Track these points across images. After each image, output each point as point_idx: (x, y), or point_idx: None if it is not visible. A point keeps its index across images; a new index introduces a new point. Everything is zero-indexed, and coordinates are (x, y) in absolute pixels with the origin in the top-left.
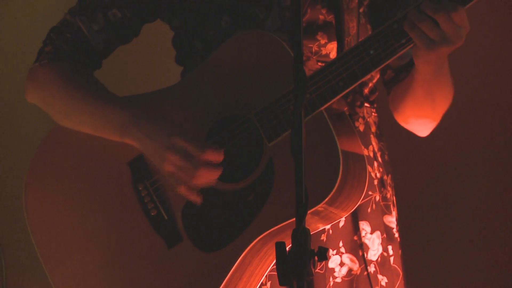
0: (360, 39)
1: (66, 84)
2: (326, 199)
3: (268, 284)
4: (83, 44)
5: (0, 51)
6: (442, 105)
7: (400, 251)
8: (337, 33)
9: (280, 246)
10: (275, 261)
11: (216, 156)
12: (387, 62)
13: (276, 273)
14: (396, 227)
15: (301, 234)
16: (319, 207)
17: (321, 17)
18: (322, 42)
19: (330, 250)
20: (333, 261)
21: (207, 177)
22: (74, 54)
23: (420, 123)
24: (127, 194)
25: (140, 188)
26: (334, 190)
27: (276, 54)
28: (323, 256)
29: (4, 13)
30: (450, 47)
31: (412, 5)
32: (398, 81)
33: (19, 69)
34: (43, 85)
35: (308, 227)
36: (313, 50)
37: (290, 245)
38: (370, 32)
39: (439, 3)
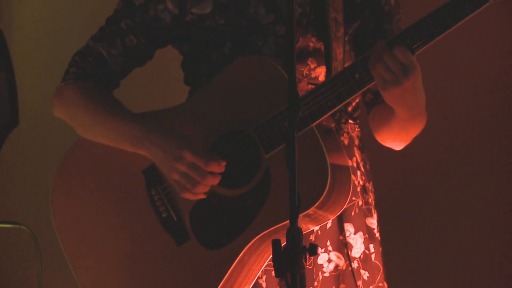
0: (346, 64)
1: (88, 101)
2: (316, 204)
3: (264, 277)
4: (104, 67)
5: (35, 60)
6: (414, 133)
7: (380, 248)
8: (326, 58)
9: (276, 243)
10: (270, 257)
11: (219, 167)
12: (370, 85)
13: (270, 268)
14: (377, 227)
15: (294, 233)
16: (310, 210)
17: (311, 44)
18: (312, 66)
19: (319, 248)
20: (322, 258)
21: (211, 184)
22: (96, 75)
23: (395, 144)
24: (141, 198)
25: (153, 193)
26: (323, 196)
27: (272, 77)
28: (314, 251)
29: (25, 18)
30: (398, 87)
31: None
32: (377, 103)
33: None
34: (68, 102)
35: (300, 227)
36: (304, 73)
37: (285, 243)
38: (353, 58)
39: (394, 42)
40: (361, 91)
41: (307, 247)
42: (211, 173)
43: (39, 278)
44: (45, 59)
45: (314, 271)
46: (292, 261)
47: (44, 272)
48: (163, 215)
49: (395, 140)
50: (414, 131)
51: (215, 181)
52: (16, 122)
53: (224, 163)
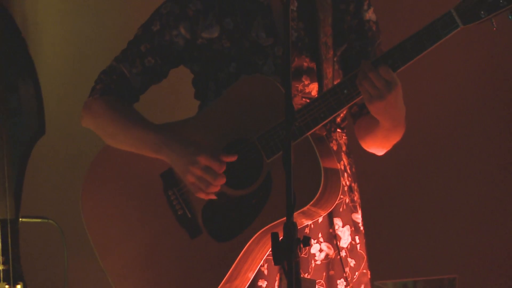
0: (335, 81)
1: (113, 114)
2: (312, 202)
3: (265, 266)
4: (125, 84)
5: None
6: (394, 141)
7: (364, 240)
8: (318, 76)
9: (275, 236)
10: (271, 249)
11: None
12: (357, 99)
13: (271, 257)
14: (361, 222)
15: (290, 227)
16: (306, 208)
17: (305, 64)
18: (306, 83)
19: (312, 240)
20: (314, 248)
21: (219, 187)
22: (119, 91)
23: (378, 150)
24: (159, 198)
25: (170, 194)
26: (317, 196)
27: (271, 93)
28: (307, 243)
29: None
30: (382, 101)
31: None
32: (361, 114)
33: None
34: (95, 114)
35: (295, 222)
36: (299, 88)
37: (283, 236)
38: (341, 76)
39: (377, 63)
40: (349, 105)
41: (301, 239)
42: (221, 175)
43: (65, 268)
44: (69, 74)
45: (309, 259)
46: (288, 251)
47: (69, 262)
48: (179, 213)
49: (378, 147)
50: (394, 138)
51: (223, 180)
52: (43, 131)
53: (235, 158)
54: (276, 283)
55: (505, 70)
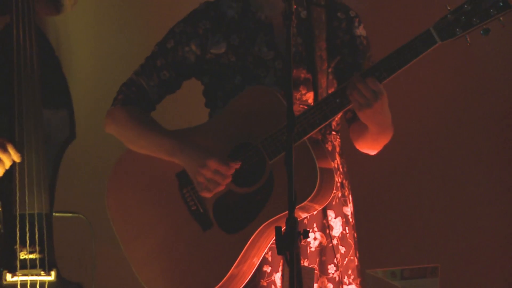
0: (329, 91)
1: (133, 121)
2: (309, 198)
3: (269, 253)
4: (144, 95)
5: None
6: (384, 143)
7: (353, 231)
8: (313, 86)
9: (278, 229)
10: (274, 238)
11: (232, 171)
12: (348, 107)
13: (274, 246)
14: (351, 214)
15: (292, 222)
16: (304, 204)
17: (302, 75)
18: (303, 92)
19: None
20: (310, 237)
21: (224, 187)
22: (138, 101)
23: (369, 151)
24: (175, 195)
25: (184, 191)
26: (314, 193)
27: (273, 102)
28: (306, 235)
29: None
30: (370, 108)
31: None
32: (355, 119)
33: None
34: (117, 122)
35: (296, 217)
36: (297, 97)
37: (285, 229)
38: (335, 85)
39: (365, 75)
40: (341, 112)
41: (301, 232)
42: (229, 175)
43: (93, 257)
44: (96, 87)
45: (306, 247)
46: (290, 243)
47: (97, 251)
48: (192, 208)
49: (369, 148)
50: (383, 141)
51: (229, 180)
52: (74, 136)
53: (238, 164)
54: (280, 268)
55: (491, 70)
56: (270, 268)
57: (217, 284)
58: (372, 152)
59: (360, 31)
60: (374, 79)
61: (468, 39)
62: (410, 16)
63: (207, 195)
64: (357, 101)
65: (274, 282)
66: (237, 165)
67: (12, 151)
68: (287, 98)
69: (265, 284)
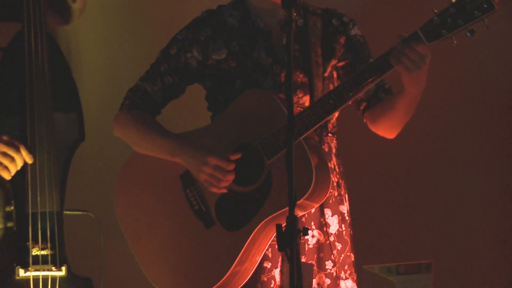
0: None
1: (138, 125)
2: (305, 197)
3: (270, 250)
4: (149, 99)
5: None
6: (409, 117)
7: (349, 228)
8: (310, 90)
9: (279, 227)
10: (273, 236)
11: (233, 167)
12: (341, 108)
13: (274, 243)
14: (347, 213)
15: (292, 220)
16: (300, 202)
17: (299, 79)
18: (300, 95)
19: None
20: (308, 234)
21: (229, 182)
22: (143, 105)
23: (392, 130)
24: (179, 195)
25: (188, 191)
26: (309, 191)
27: (271, 105)
28: (305, 233)
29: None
30: (419, 70)
31: (392, 48)
32: (371, 106)
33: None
34: (123, 125)
35: (296, 215)
36: (295, 100)
37: (285, 225)
38: (330, 89)
39: (408, 43)
40: (334, 112)
41: (301, 230)
42: (230, 173)
43: (102, 253)
44: (105, 92)
45: (304, 244)
46: (290, 240)
47: (105, 248)
48: (195, 207)
49: (395, 124)
50: (411, 112)
51: (232, 177)
52: (83, 138)
53: (239, 156)
54: (279, 264)
55: (485, 70)
56: (270, 264)
57: (219, 280)
58: (394, 130)
59: (355, 31)
60: (424, 44)
61: (454, 41)
62: (401, 20)
63: (215, 190)
64: (405, 66)
65: (274, 278)
66: (237, 156)
67: (24, 152)
68: (288, 101)
69: (265, 279)
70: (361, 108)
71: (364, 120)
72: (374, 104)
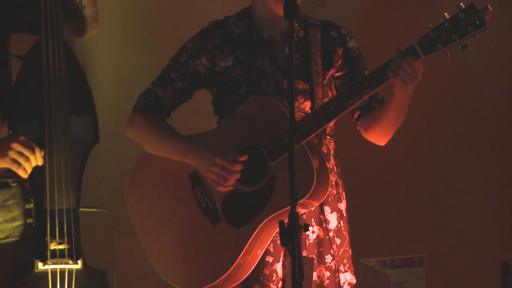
0: (324, 100)
1: (150, 127)
2: (307, 196)
3: (271, 245)
4: (160, 103)
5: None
6: (399, 125)
7: (347, 224)
8: (310, 96)
9: (281, 223)
10: (275, 232)
11: (240, 165)
12: (341, 114)
13: (276, 238)
14: (345, 210)
15: (294, 216)
16: (303, 201)
17: (300, 86)
18: (301, 101)
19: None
20: (309, 230)
21: (235, 179)
22: (155, 109)
23: (383, 138)
24: (188, 193)
25: (196, 190)
26: (311, 191)
27: (274, 110)
28: (306, 228)
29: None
30: (413, 83)
31: (389, 61)
32: (364, 115)
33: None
34: (136, 127)
35: (298, 212)
36: (296, 106)
37: (287, 222)
38: (328, 96)
39: (404, 57)
40: (335, 119)
41: (302, 225)
42: (236, 173)
43: (115, 248)
44: (118, 96)
45: (305, 239)
46: (292, 235)
47: (119, 243)
48: (203, 205)
49: (385, 132)
50: (401, 119)
51: (238, 176)
52: (98, 140)
53: (245, 157)
54: (281, 258)
55: (478, 73)
56: (272, 258)
57: (225, 273)
58: (385, 138)
59: (352, 43)
60: (418, 60)
61: (448, 54)
62: (398, 32)
63: (221, 189)
64: (401, 79)
65: (275, 271)
66: (244, 158)
67: (38, 153)
68: (290, 106)
69: (267, 272)
70: (355, 116)
71: (358, 128)
72: (367, 113)
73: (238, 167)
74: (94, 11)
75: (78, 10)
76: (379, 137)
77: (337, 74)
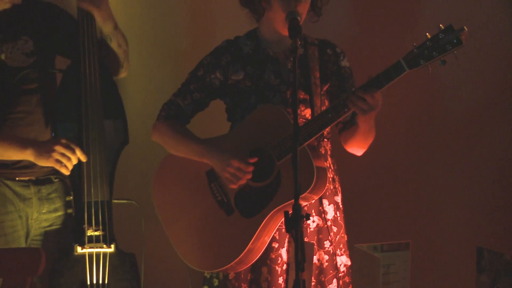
0: (322, 108)
1: (173, 132)
2: (308, 190)
3: (277, 233)
4: (180, 112)
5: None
6: (369, 142)
7: (343, 215)
8: (310, 105)
9: (286, 213)
10: (280, 221)
11: (251, 169)
12: (338, 120)
13: (281, 227)
14: (341, 202)
15: (297, 207)
16: (304, 195)
17: (301, 96)
18: (302, 109)
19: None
20: (310, 220)
21: (247, 179)
22: (176, 116)
23: (358, 150)
24: (205, 188)
25: (212, 185)
26: (312, 186)
27: (279, 117)
28: (308, 218)
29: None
30: (374, 112)
31: (351, 91)
32: (345, 129)
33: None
34: (161, 133)
35: (300, 204)
36: (298, 113)
37: (291, 212)
38: (326, 104)
39: (365, 89)
40: (332, 124)
41: (304, 215)
42: (248, 172)
43: (143, 236)
44: (145, 104)
45: (306, 227)
46: (295, 223)
47: (146, 232)
48: (218, 199)
49: (359, 147)
50: (370, 139)
51: (250, 176)
52: (127, 141)
53: (255, 159)
54: (285, 244)
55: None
56: (277, 244)
57: (237, 257)
58: (360, 151)
59: (345, 63)
60: (378, 91)
61: (429, 68)
62: (386, 49)
63: (234, 186)
64: (361, 108)
65: (280, 255)
66: (255, 160)
67: (79, 152)
68: (294, 114)
69: (273, 256)
70: (338, 128)
71: (340, 139)
72: (348, 127)
73: (251, 169)
74: (124, 43)
75: (111, 51)
76: (354, 150)
77: (330, 89)
